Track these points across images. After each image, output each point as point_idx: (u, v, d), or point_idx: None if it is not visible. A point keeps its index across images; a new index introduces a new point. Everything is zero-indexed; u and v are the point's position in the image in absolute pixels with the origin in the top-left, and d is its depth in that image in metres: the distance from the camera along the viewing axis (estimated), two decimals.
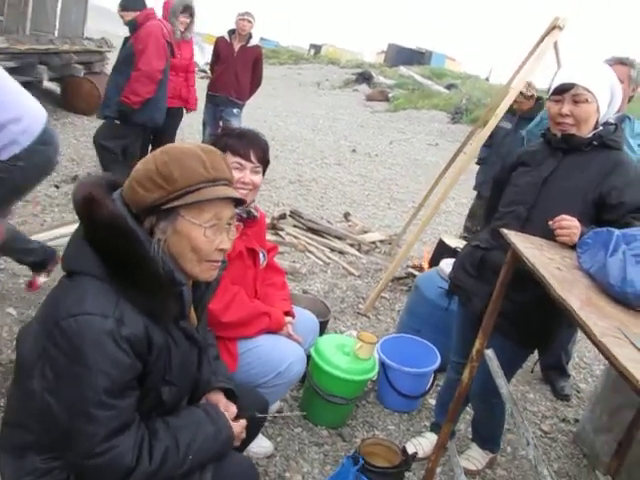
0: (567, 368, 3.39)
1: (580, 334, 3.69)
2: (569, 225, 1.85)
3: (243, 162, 2.02)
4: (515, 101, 5.12)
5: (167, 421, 1.37)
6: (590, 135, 2.03)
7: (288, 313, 2.27)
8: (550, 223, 1.88)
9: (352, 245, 5.19)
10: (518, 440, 2.81)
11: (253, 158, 2.03)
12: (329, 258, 4.77)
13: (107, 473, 1.25)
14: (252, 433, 1.69)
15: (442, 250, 4.36)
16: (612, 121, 2.12)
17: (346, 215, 6.07)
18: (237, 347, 2.04)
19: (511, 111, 5.22)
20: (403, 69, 22.46)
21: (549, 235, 1.93)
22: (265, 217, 2.42)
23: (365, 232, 5.62)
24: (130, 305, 1.24)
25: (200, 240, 1.31)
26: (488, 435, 2.52)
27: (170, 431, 1.34)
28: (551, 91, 2.08)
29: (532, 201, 2.08)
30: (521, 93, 5.03)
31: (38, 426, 1.30)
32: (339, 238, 5.22)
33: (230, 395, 1.62)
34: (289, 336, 2.20)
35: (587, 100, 1.98)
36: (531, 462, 1.55)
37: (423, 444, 2.50)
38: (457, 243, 4.34)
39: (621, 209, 1.93)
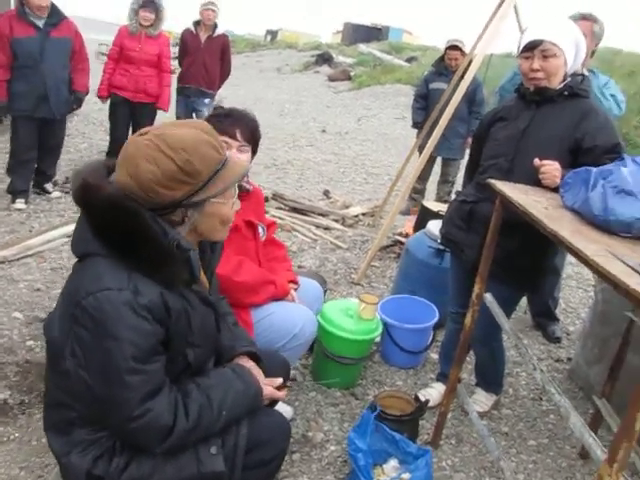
0: (555, 313, 3.58)
1: (564, 281, 3.89)
2: (551, 169, 2.00)
3: (229, 141, 2.05)
4: (452, 59, 5.28)
5: (197, 382, 1.46)
6: (561, 86, 2.18)
7: (292, 281, 2.38)
8: (536, 160, 2.01)
9: (336, 220, 5.31)
10: (518, 381, 2.99)
11: (239, 136, 2.08)
12: (316, 235, 4.88)
13: (148, 434, 1.34)
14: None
15: (425, 215, 4.52)
16: (579, 72, 2.27)
17: (326, 192, 6.18)
18: (251, 316, 2.15)
19: (445, 71, 5.38)
20: (362, 46, 22.49)
21: (532, 182, 2.08)
22: (262, 192, 2.50)
23: (347, 207, 5.74)
24: (142, 276, 1.31)
25: (229, 213, 1.43)
26: (491, 378, 2.67)
27: (202, 390, 1.43)
28: (520, 49, 2.21)
29: (512, 152, 2.22)
30: (461, 51, 5.18)
31: (77, 402, 1.38)
32: (323, 215, 5.34)
33: (255, 359, 1.72)
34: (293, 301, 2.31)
35: (555, 54, 2.12)
36: (539, 384, 1.70)
37: (432, 394, 2.65)
38: (439, 207, 4.50)
39: (595, 151, 2.09)
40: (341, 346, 2.57)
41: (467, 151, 5.55)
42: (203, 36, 5.65)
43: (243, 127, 2.11)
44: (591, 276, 4.51)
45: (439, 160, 5.75)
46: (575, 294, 4.25)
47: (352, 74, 17.70)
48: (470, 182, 2.51)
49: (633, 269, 1.32)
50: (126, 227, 1.29)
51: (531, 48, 2.15)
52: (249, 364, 1.67)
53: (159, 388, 1.34)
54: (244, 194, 2.23)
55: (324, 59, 20.10)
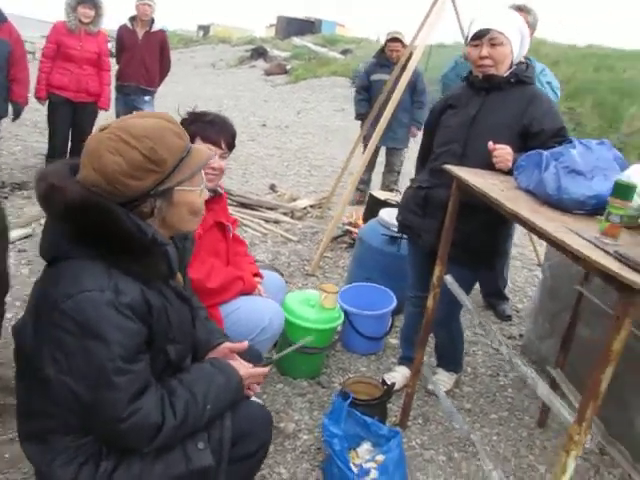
0: (505, 293, 3.73)
1: (510, 262, 4.04)
2: (503, 153, 2.09)
3: (213, 148, 2.06)
4: (393, 50, 5.39)
5: (180, 378, 1.45)
6: (507, 74, 2.28)
7: (257, 275, 2.40)
8: (490, 144, 2.10)
9: (285, 214, 5.32)
10: (475, 360, 3.11)
11: (223, 145, 2.10)
12: (266, 229, 4.88)
13: (138, 434, 1.32)
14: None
15: (373, 204, 4.60)
16: (523, 60, 2.38)
17: (272, 187, 6.17)
18: (220, 311, 2.15)
19: (386, 63, 5.48)
20: (296, 40, 22.51)
21: (484, 166, 2.16)
22: (226, 194, 2.50)
23: (294, 200, 5.76)
24: (122, 274, 1.29)
25: (198, 201, 1.41)
26: (452, 358, 2.77)
27: (185, 386, 1.42)
28: (470, 37, 2.30)
29: (464, 138, 2.30)
30: (402, 43, 5.29)
31: (59, 409, 1.33)
32: (271, 209, 5.34)
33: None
34: (261, 295, 2.33)
35: (502, 43, 2.22)
36: (505, 357, 1.78)
37: (396, 377, 2.71)
38: (386, 196, 4.59)
39: (543, 135, 2.20)
40: (305, 336, 2.59)
41: (411, 140, 5.74)
42: (140, 32, 5.49)
43: (227, 135, 2.13)
44: (534, 256, 4.73)
45: (383, 150, 5.85)
46: (520, 274, 4.44)
47: (288, 68, 17.69)
48: (423, 169, 2.58)
49: (589, 242, 1.41)
50: (100, 226, 1.26)
51: (479, 37, 2.24)
52: (226, 353, 1.67)
53: (146, 387, 1.32)
54: (218, 198, 2.24)
55: (259, 53, 19.99)
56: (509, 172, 2.10)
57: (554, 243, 1.45)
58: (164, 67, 5.73)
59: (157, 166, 1.29)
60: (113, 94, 5.55)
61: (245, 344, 1.71)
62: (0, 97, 4.46)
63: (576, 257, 1.35)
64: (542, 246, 5.00)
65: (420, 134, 5.90)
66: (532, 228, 1.57)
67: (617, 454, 1.90)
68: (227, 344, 1.70)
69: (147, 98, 5.63)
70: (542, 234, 1.50)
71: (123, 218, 1.27)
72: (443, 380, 2.73)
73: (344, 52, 19.41)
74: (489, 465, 1.82)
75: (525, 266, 4.62)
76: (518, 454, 2.39)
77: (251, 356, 1.86)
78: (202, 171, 1.43)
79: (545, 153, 1.85)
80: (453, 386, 2.77)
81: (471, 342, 3.25)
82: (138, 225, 1.30)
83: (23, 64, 4.54)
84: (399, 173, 5.96)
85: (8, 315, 2.99)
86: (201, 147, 1.41)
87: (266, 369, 1.71)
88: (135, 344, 1.30)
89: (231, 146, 2.16)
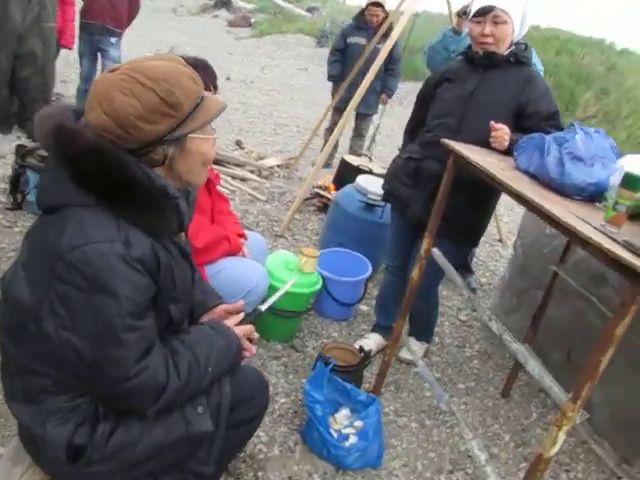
0: (471, 266, 3.82)
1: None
2: (501, 133, 2.10)
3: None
4: (373, 15, 5.30)
5: (182, 339, 1.41)
6: (507, 53, 2.28)
7: (241, 235, 2.36)
8: (492, 123, 2.10)
9: (252, 172, 5.24)
10: (442, 330, 3.19)
11: (212, 88, 2.02)
12: (233, 186, 4.80)
13: (143, 394, 1.28)
14: None
15: (345, 168, 4.59)
16: (521, 41, 2.38)
17: (238, 143, 6.04)
18: (205, 271, 2.11)
19: (364, 26, 5.40)
20: None
21: (477, 142, 2.17)
22: None
23: (261, 158, 5.66)
24: (132, 226, 1.23)
25: (210, 151, 1.34)
26: (425, 328, 2.84)
27: (187, 347, 1.38)
28: (472, 14, 2.27)
29: (460, 113, 2.31)
30: (383, 8, 5.21)
31: (54, 367, 1.26)
32: (238, 166, 5.24)
33: None
34: (244, 256, 2.30)
35: (505, 21, 2.22)
36: (496, 333, 1.83)
37: (369, 344, 2.75)
38: (358, 161, 4.58)
39: (537, 117, 2.22)
40: (283, 300, 2.56)
41: (380, 107, 5.71)
42: None
43: (213, 78, 2.05)
44: (496, 232, 4.85)
45: (353, 115, 5.79)
46: (483, 248, 4.54)
47: (253, 21, 17.17)
48: (411, 140, 2.57)
49: (597, 229, 1.44)
50: (109, 174, 1.18)
51: (483, 14, 2.22)
52: (223, 315, 1.63)
53: (152, 345, 1.28)
54: None
55: (222, 3, 19.24)
56: (504, 152, 2.12)
57: (561, 227, 1.48)
58: (133, 7, 5.41)
59: (173, 110, 1.22)
60: (77, 33, 5.24)
61: (241, 303, 1.68)
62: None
63: (585, 243, 1.38)
64: (505, 224, 5.15)
65: (391, 103, 5.92)
66: (536, 209, 1.59)
67: (602, 451, 1.99)
68: (223, 306, 1.67)
69: (113, 40, 5.32)
70: (548, 217, 1.52)
71: (133, 167, 1.21)
72: (414, 349, 2.79)
73: (310, 10, 18.95)
74: (469, 435, 1.89)
75: (487, 241, 4.73)
76: (484, 423, 2.49)
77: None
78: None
79: (547, 137, 1.87)
80: (423, 355, 2.84)
81: (440, 313, 3.32)
82: (149, 175, 1.23)
83: None
84: (365, 138, 5.95)
85: None
86: (214, 96, 1.34)
87: (252, 327, 1.64)
88: (144, 300, 1.25)
89: (215, 88, 2.07)
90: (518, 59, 2.28)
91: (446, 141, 2.10)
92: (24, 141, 4.31)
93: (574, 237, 1.44)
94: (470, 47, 2.36)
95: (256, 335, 1.62)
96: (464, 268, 3.74)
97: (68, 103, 5.43)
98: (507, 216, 5.47)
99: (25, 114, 4.58)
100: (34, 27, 4.39)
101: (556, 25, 15.01)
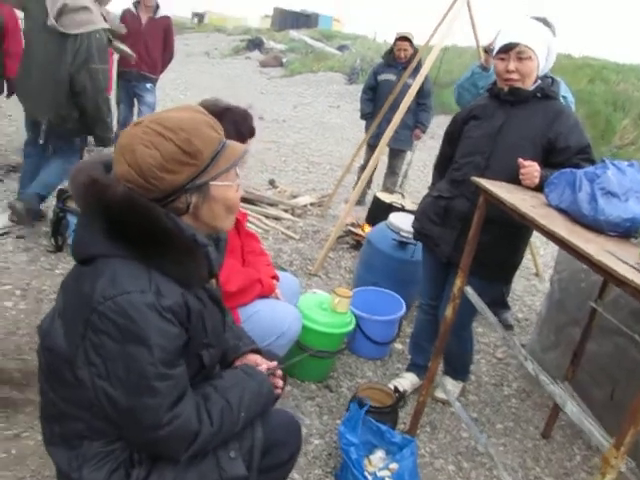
0: (507, 301, 3.76)
1: None
2: (531, 170, 2.09)
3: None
4: (401, 49, 5.39)
5: (214, 384, 1.42)
6: (533, 88, 2.28)
7: (274, 277, 2.38)
8: (520, 160, 2.09)
9: (285, 210, 5.29)
10: (479, 368, 3.13)
11: (247, 139, 2.05)
12: (267, 225, 4.86)
13: (175, 441, 1.29)
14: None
15: (377, 205, 4.60)
16: (548, 75, 2.39)
17: (272, 182, 6.13)
18: (238, 315, 2.13)
19: (393, 63, 5.48)
20: (293, 33, 22.38)
21: (506, 180, 2.16)
22: None
23: (294, 197, 5.73)
24: (163, 276, 1.25)
25: (234, 197, 1.36)
26: (460, 366, 2.78)
27: (219, 392, 1.40)
28: (496, 50, 2.29)
29: (489, 150, 2.31)
30: (410, 42, 5.29)
31: (90, 413, 1.29)
32: (272, 205, 5.31)
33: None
34: (278, 299, 2.31)
35: (530, 57, 2.23)
36: (531, 374, 1.79)
37: (404, 384, 2.72)
38: (391, 198, 4.59)
39: (568, 152, 2.21)
40: (318, 340, 2.59)
41: (415, 143, 5.74)
42: (144, 17, 5.41)
43: (250, 127, 2.08)
44: (532, 265, 4.77)
45: (386, 151, 5.84)
46: (519, 283, 4.47)
47: (284, 60, 17.60)
48: (441, 178, 2.58)
49: (633, 267, 1.41)
50: (140, 225, 1.22)
51: (507, 50, 2.24)
52: (257, 359, 1.64)
53: (184, 392, 1.29)
54: None
55: (255, 44, 19.85)
56: (534, 189, 2.11)
57: (595, 265, 1.45)
58: (167, 54, 5.65)
59: (192, 158, 1.25)
60: (115, 81, 5.46)
61: (275, 364, 1.67)
62: None
63: (620, 282, 1.35)
64: (541, 257, 5.06)
65: (423, 137, 5.94)
66: (569, 247, 1.57)
67: None
68: (258, 358, 1.66)
69: (149, 85, 5.55)
70: (582, 255, 1.50)
71: (163, 218, 1.24)
72: (450, 389, 2.74)
73: (340, 48, 19.35)
74: (508, 478, 1.83)
75: (523, 275, 4.66)
76: (525, 465, 2.42)
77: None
78: (236, 167, 1.40)
79: (579, 172, 1.85)
80: (459, 394, 2.79)
81: (475, 350, 3.25)
82: (178, 225, 1.26)
83: (17, 37, 4.24)
84: (399, 175, 5.96)
85: (8, 304, 2.95)
86: (235, 142, 1.37)
87: (275, 363, 1.66)
88: (175, 348, 1.27)
89: (252, 135, 2.11)
90: (545, 93, 2.28)
91: (476, 179, 2.09)
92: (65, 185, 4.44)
93: (609, 276, 1.41)
94: (495, 83, 2.38)
95: (279, 372, 1.63)
96: (500, 304, 3.68)
97: (107, 152, 5.60)
98: (543, 249, 5.39)
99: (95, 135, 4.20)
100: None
101: (589, 53, 14.94)
